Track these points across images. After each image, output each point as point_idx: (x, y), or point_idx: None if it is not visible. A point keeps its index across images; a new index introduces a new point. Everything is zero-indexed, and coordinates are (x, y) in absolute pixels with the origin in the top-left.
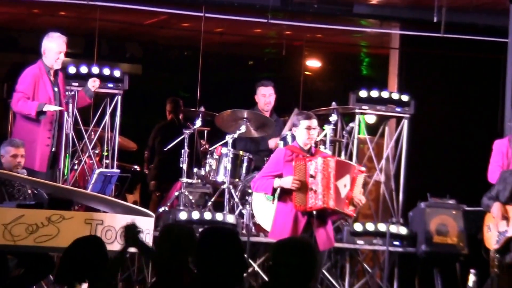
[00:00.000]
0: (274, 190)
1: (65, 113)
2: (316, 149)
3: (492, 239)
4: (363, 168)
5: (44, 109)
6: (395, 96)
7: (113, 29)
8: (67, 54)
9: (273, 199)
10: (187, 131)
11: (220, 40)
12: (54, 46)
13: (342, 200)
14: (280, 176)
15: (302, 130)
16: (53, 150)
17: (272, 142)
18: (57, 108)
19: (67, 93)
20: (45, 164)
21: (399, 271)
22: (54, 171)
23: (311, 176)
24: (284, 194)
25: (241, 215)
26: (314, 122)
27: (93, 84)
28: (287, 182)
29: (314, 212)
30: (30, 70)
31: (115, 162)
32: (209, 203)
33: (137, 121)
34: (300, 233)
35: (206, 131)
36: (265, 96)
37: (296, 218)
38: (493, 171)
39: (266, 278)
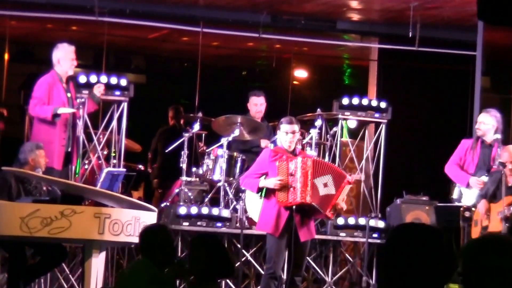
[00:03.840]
0: (260, 189)
1: (78, 119)
2: (300, 151)
3: (476, 233)
4: (350, 179)
5: (58, 112)
6: (374, 103)
7: (120, 42)
8: (78, 65)
9: (261, 196)
10: (187, 134)
11: (217, 53)
12: (65, 54)
13: (320, 197)
14: (266, 174)
15: (283, 134)
16: (67, 150)
17: (263, 143)
18: (71, 110)
19: (78, 100)
20: (61, 162)
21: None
22: (68, 168)
23: (291, 175)
24: (270, 191)
25: (235, 210)
26: (293, 127)
27: (99, 89)
28: (271, 183)
29: (294, 207)
30: (45, 78)
31: (122, 162)
32: (206, 199)
33: (142, 126)
34: (283, 225)
35: (203, 134)
36: (257, 105)
37: (279, 212)
38: (449, 164)
39: (257, 267)
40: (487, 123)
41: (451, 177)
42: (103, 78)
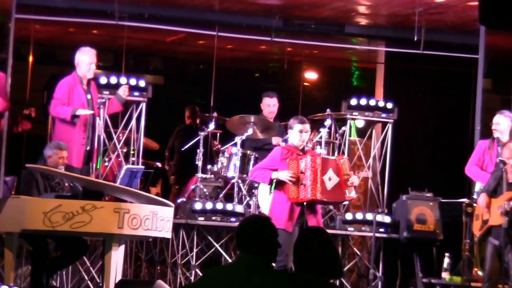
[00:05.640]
0: (271, 181)
1: (97, 117)
2: (308, 149)
3: (477, 227)
4: (344, 156)
5: (77, 113)
6: (381, 104)
7: (139, 45)
8: (98, 67)
9: (270, 191)
10: (202, 133)
11: (231, 55)
12: (86, 58)
13: (329, 192)
14: (275, 170)
15: (296, 133)
16: (87, 148)
17: (274, 140)
18: (89, 112)
19: (99, 100)
20: (80, 160)
21: (384, 254)
22: (89, 166)
23: (302, 172)
24: (280, 187)
25: (248, 205)
26: (306, 126)
27: (123, 90)
28: (284, 175)
29: (305, 203)
30: (65, 80)
31: (140, 160)
32: (221, 195)
33: (159, 125)
34: (295, 220)
35: (218, 133)
36: (270, 106)
37: (291, 207)
38: (469, 165)
39: None
40: (503, 123)
41: (473, 178)
42: (123, 80)
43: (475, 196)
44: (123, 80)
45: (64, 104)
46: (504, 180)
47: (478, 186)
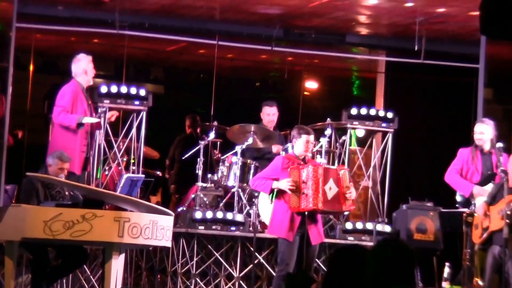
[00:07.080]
0: (272, 190)
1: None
2: (308, 158)
3: (477, 235)
4: (344, 166)
5: (83, 121)
6: (381, 113)
7: (139, 54)
8: (99, 76)
9: (271, 200)
10: (203, 142)
11: (231, 64)
12: (88, 64)
13: (329, 202)
14: (277, 180)
15: (302, 143)
16: (87, 156)
17: (274, 148)
18: (95, 120)
19: (99, 109)
20: (80, 168)
21: None
22: (85, 173)
23: (303, 182)
24: (281, 196)
25: (248, 214)
26: (312, 138)
27: (112, 115)
28: (284, 184)
29: (306, 213)
30: (68, 87)
31: (140, 169)
32: (221, 204)
33: (160, 134)
34: (296, 230)
35: (218, 142)
36: (269, 115)
37: (292, 217)
38: (449, 173)
39: (269, 269)
40: (487, 132)
41: (453, 186)
42: (123, 89)
43: (458, 198)
44: (123, 89)
45: (68, 112)
46: (505, 188)
47: (458, 195)
